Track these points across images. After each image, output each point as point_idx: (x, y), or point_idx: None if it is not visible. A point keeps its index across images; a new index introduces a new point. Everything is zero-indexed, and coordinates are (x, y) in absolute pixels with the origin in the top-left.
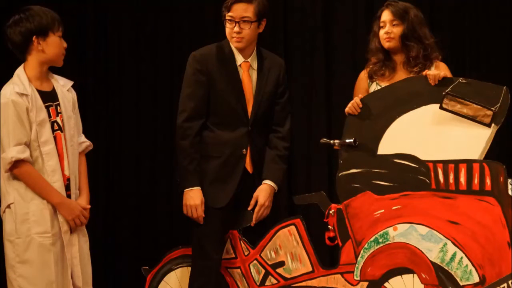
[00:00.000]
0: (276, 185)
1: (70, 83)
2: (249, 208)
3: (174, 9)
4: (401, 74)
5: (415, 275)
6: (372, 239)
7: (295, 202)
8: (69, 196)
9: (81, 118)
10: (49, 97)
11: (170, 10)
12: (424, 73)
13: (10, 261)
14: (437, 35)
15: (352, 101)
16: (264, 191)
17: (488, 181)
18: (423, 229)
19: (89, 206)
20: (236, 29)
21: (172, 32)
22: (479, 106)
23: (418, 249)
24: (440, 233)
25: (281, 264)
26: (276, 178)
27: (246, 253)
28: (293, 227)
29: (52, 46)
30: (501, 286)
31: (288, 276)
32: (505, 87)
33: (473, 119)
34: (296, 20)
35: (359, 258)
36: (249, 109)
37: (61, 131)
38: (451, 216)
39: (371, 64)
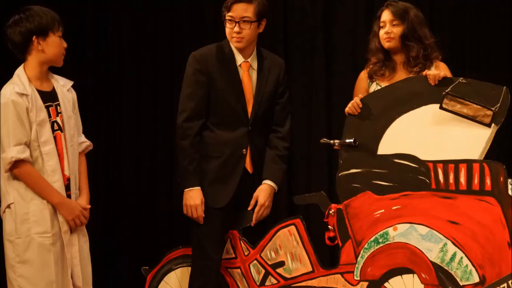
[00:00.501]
0: (276, 185)
1: (70, 83)
2: (249, 208)
3: (174, 9)
4: (401, 74)
5: (415, 275)
6: (372, 239)
7: (295, 202)
8: (69, 196)
9: (81, 118)
10: (49, 97)
11: (170, 10)
12: (424, 73)
13: (10, 261)
14: (437, 35)
15: (352, 101)
16: (264, 191)
17: (488, 181)
18: (423, 229)
19: (89, 206)
20: (236, 29)
21: (172, 32)
22: (479, 106)
23: (418, 249)
24: (440, 233)
25: (281, 264)
26: (276, 178)
27: (246, 253)
28: (293, 227)
29: (52, 46)
30: (501, 286)
31: (288, 276)
32: (505, 87)
33: (473, 119)
34: (296, 20)
35: (359, 258)
36: (249, 109)
37: (61, 131)
38: (451, 216)
39: (371, 64)
